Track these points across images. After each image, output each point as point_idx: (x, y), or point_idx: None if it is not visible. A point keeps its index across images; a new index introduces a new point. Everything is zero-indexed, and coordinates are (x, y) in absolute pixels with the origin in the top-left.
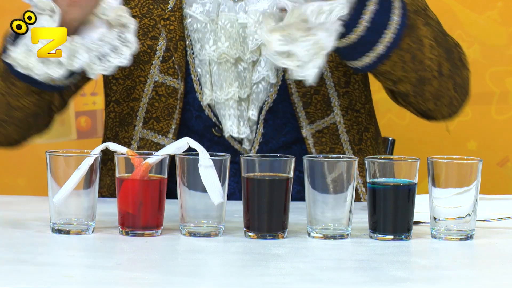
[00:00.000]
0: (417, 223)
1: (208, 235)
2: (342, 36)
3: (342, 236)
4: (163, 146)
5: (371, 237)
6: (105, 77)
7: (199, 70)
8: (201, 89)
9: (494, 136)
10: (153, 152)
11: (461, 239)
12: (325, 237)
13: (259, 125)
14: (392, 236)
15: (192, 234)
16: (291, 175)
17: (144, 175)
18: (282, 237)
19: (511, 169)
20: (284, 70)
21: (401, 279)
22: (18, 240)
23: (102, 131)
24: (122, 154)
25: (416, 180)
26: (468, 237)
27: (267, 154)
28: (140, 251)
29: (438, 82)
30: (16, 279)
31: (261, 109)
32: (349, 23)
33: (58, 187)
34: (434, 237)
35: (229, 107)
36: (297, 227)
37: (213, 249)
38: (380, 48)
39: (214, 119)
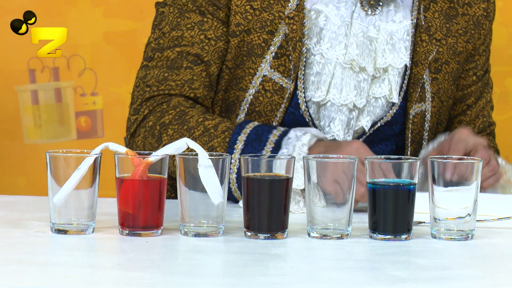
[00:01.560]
0: (417, 223)
1: (208, 235)
2: None
3: (342, 236)
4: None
5: (371, 237)
6: (221, 68)
7: (317, 68)
8: (303, 87)
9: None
10: (152, 152)
11: (461, 239)
12: (325, 237)
13: (364, 136)
14: (392, 236)
15: (192, 234)
16: (291, 175)
17: (143, 174)
18: (282, 237)
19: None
20: (406, 96)
21: (401, 279)
22: (18, 240)
23: (102, 131)
24: (122, 154)
25: (416, 180)
26: (468, 237)
27: (267, 154)
28: (140, 251)
29: None
30: (16, 279)
31: (373, 124)
32: None
33: (58, 187)
34: (434, 237)
35: (341, 112)
36: (297, 227)
37: (213, 249)
38: None
39: (308, 119)
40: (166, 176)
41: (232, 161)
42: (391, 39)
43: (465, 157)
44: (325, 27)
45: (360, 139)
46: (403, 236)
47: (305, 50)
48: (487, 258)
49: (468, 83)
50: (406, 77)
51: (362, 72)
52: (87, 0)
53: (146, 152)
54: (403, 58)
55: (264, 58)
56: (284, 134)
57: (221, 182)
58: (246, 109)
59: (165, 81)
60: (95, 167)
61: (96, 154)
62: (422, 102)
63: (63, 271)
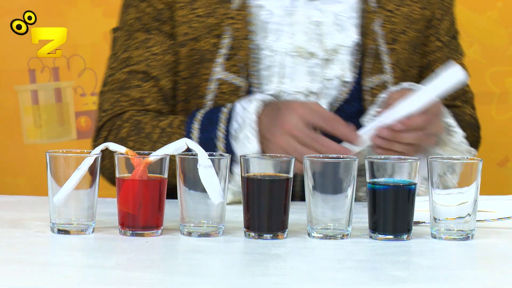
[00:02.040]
0: (417, 223)
1: (208, 235)
2: None
3: (342, 236)
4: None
5: (371, 237)
6: (174, 79)
7: (266, 62)
8: (259, 83)
9: (494, 136)
10: (152, 152)
11: (461, 239)
12: (325, 237)
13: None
14: (392, 236)
15: (192, 234)
16: (291, 175)
17: (143, 174)
18: (282, 237)
19: (511, 169)
20: (361, 71)
21: (401, 279)
22: (18, 240)
23: None
24: (122, 154)
25: (416, 180)
26: (468, 237)
27: (267, 154)
28: (140, 251)
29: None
30: (16, 279)
31: (329, 105)
32: None
33: (58, 187)
34: (434, 237)
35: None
36: (297, 227)
37: (213, 249)
38: None
39: None
40: (166, 176)
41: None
42: (338, 19)
43: (465, 157)
44: (269, 20)
45: None
46: (403, 236)
47: (254, 46)
48: (487, 258)
49: (431, 49)
50: (358, 53)
51: (312, 57)
52: (87, 0)
53: (146, 152)
54: (352, 35)
55: (216, 62)
56: (232, 109)
57: (221, 182)
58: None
59: (117, 102)
60: (95, 167)
61: (96, 154)
62: (381, 74)
63: (63, 271)
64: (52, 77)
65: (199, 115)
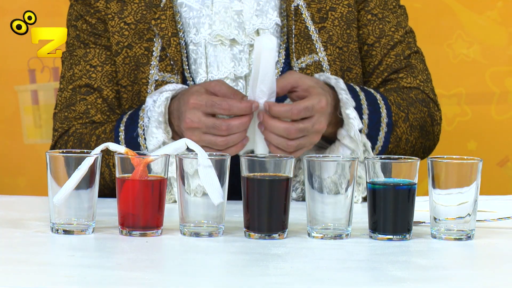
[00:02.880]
0: (417, 223)
1: (208, 235)
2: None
3: (342, 236)
4: None
5: (371, 237)
6: (116, 89)
7: (193, 55)
8: (191, 77)
9: (494, 136)
10: (152, 152)
11: (461, 239)
12: (325, 237)
13: None
14: (392, 236)
15: (192, 234)
16: (291, 175)
17: (143, 174)
18: (282, 237)
19: (511, 169)
20: (286, 55)
21: (401, 279)
22: (18, 240)
23: None
24: (122, 154)
25: (416, 180)
26: (468, 237)
27: (267, 154)
28: (140, 251)
29: (409, 154)
30: (16, 279)
31: None
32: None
33: (58, 187)
34: (434, 237)
35: None
36: (297, 227)
37: (213, 249)
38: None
39: None
40: (166, 176)
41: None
42: (258, 5)
43: (465, 157)
44: (189, 16)
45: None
46: (403, 236)
47: (184, 43)
48: (487, 258)
49: (363, 23)
50: (283, 35)
51: (235, 44)
52: None
53: (146, 152)
54: (272, 18)
55: (151, 64)
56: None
57: (221, 182)
58: None
59: (66, 119)
60: (95, 167)
61: (96, 154)
62: (312, 53)
63: (63, 271)
64: (52, 77)
65: (125, 117)
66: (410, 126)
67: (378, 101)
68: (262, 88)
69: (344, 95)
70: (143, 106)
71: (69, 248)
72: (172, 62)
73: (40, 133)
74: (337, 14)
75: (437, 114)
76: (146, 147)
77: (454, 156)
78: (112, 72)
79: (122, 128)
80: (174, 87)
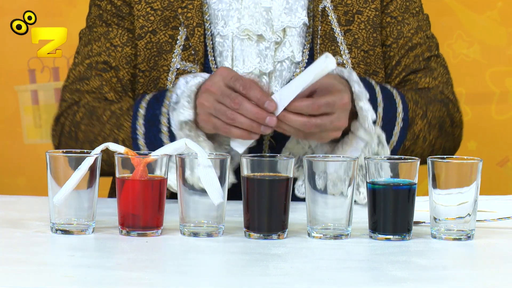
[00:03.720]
0: (417, 223)
1: (208, 235)
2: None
3: (342, 236)
4: None
5: (371, 237)
6: (132, 72)
7: (219, 47)
8: (216, 66)
9: (494, 136)
10: (151, 152)
11: (461, 239)
12: (325, 237)
13: None
14: (392, 236)
15: (192, 234)
16: (291, 175)
17: (143, 174)
18: (282, 237)
19: (511, 169)
20: (309, 54)
21: (401, 279)
22: (18, 240)
23: None
24: (122, 154)
25: (416, 180)
26: (468, 237)
27: (267, 154)
28: (140, 251)
29: (428, 155)
30: (16, 279)
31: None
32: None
33: (58, 187)
34: (434, 237)
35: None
36: (297, 227)
37: (213, 249)
38: (390, 150)
39: None
40: (166, 176)
41: (137, 127)
42: (287, 3)
43: (465, 157)
44: (218, 8)
45: None
46: (403, 236)
47: (210, 35)
48: (487, 258)
49: (383, 25)
50: (308, 35)
51: (261, 40)
52: (87, 0)
53: (146, 152)
54: (300, 17)
55: (174, 52)
56: (175, 85)
57: (221, 182)
58: None
59: (77, 91)
60: (95, 167)
61: (96, 154)
62: (337, 56)
63: (63, 271)
64: (52, 77)
65: (148, 96)
66: (428, 124)
67: (394, 96)
68: (291, 98)
69: (357, 88)
70: (171, 88)
71: (69, 248)
72: (193, 52)
73: (40, 133)
74: (364, 17)
75: (457, 115)
76: (169, 125)
77: (454, 156)
78: (132, 55)
79: (143, 105)
80: (208, 75)
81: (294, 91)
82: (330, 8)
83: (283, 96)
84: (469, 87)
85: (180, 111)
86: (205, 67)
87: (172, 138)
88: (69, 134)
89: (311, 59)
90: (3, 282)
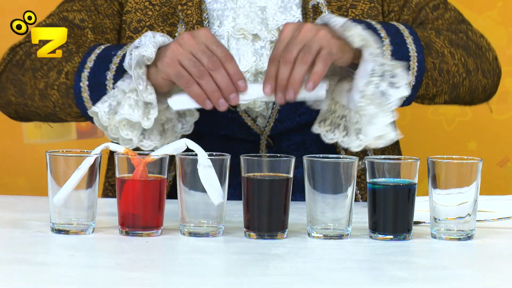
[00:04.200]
0: (417, 223)
1: (208, 235)
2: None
3: (342, 236)
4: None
5: (371, 237)
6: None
7: None
8: None
9: (494, 136)
10: (152, 152)
11: (461, 239)
12: (325, 237)
13: (276, 102)
14: (392, 236)
15: (192, 234)
16: (291, 175)
17: (143, 174)
18: (282, 237)
19: (511, 169)
20: None
21: (401, 279)
22: (18, 240)
23: (102, 131)
24: (122, 154)
25: (416, 180)
26: (468, 237)
27: (267, 154)
28: (140, 251)
29: (468, 81)
30: (16, 279)
31: None
32: None
33: (58, 187)
34: (434, 237)
35: (247, 79)
36: (297, 227)
37: (213, 249)
38: (411, 81)
39: None
40: (166, 176)
41: (87, 61)
42: (282, 1)
43: (465, 157)
44: (213, 7)
45: (272, 109)
46: (403, 236)
47: None
48: (487, 258)
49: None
50: None
51: (257, 40)
52: None
53: (146, 152)
54: (295, 15)
55: None
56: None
57: (221, 182)
58: None
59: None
60: (95, 167)
61: (96, 154)
62: None
63: (63, 271)
64: None
65: (112, 44)
66: (449, 41)
67: (396, 24)
68: (260, 96)
69: (333, 17)
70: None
71: (69, 248)
72: None
73: (40, 133)
74: (358, 11)
75: (481, 40)
76: (118, 65)
77: (454, 156)
78: (107, 29)
79: (102, 46)
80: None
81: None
82: (323, 4)
83: (254, 89)
84: None
85: (144, 48)
86: None
87: (117, 77)
88: (17, 62)
89: None
90: (3, 282)
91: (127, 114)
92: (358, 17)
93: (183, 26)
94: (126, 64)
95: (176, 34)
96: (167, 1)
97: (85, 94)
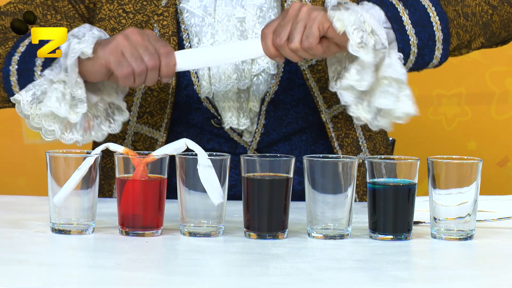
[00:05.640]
0: (417, 223)
1: (208, 235)
2: (405, 59)
3: (342, 236)
4: (156, 140)
5: (371, 237)
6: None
7: None
8: (198, 81)
9: (494, 136)
10: (152, 152)
11: (461, 239)
12: (325, 237)
13: (260, 117)
14: (392, 236)
15: (192, 234)
16: (291, 175)
17: (143, 174)
18: (282, 237)
19: (511, 169)
20: (286, 62)
21: (401, 279)
22: (18, 240)
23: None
24: (122, 154)
25: (416, 180)
26: (468, 237)
27: (267, 154)
28: (140, 251)
29: (497, 15)
30: (16, 279)
31: (262, 100)
32: (403, 46)
33: (58, 187)
34: (434, 237)
35: (228, 99)
36: (297, 227)
37: (213, 249)
38: (439, 35)
39: (213, 111)
40: (166, 176)
41: (20, 46)
42: (261, 11)
43: (465, 157)
44: (191, 22)
45: (257, 124)
46: (403, 236)
47: (187, 45)
48: (487, 258)
49: None
50: None
51: None
52: None
53: (147, 152)
54: None
55: None
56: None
57: (221, 182)
58: (137, 113)
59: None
60: (95, 167)
61: (96, 154)
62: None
63: (63, 271)
64: None
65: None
66: None
67: None
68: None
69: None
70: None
71: (69, 248)
72: None
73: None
74: None
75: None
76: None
77: (454, 156)
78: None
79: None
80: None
81: (207, 60)
82: (307, 2)
83: (191, 55)
84: (469, 87)
85: (85, 44)
86: (186, 78)
87: (46, 64)
88: None
89: (287, 68)
90: (3, 282)
91: (54, 108)
92: None
93: (158, 35)
94: (62, 51)
95: None
96: (141, 8)
97: (13, 78)
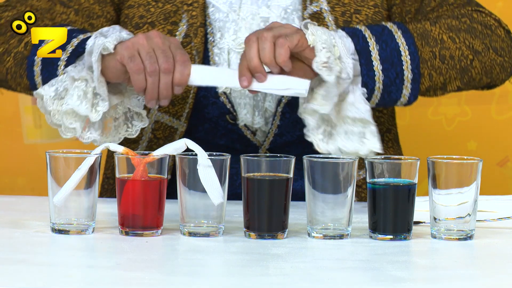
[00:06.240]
0: (417, 223)
1: (208, 235)
2: (369, 95)
3: (342, 236)
4: (176, 129)
5: (371, 237)
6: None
7: (217, 58)
8: None
9: (494, 136)
10: (152, 152)
11: (461, 239)
12: (325, 237)
13: (275, 117)
14: (392, 236)
15: (192, 234)
16: (291, 175)
17: (143, 174)
18: (282, 237)
19: (511, 169)
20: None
21: (401, 279)
22: (18, 240)
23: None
24: (122, 154)
25: (416, 180)
26: (468, 237)
27: (267, 154)
28: (140, 251)
29: (478, 61)
30: (16, 279)
31: (279, 101)
32: (367, 80)
33: (58, 187)
34: (434, 237)
35: (244, 96)
36: (297, 227)
37: (213, 249)
38: (407, 75)
39: (229, 106)
40: (166, 176)
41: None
42: (285, 13)
43: (465, 157)
44: (215, 17)
45: (271, 125)
46: (403, 236)
47: (211, 38)
48: (487, 258)
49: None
50: None
51: None
52: None
53: (147, 152)
54: (298, 25)
55: None
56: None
57: (221, 182)
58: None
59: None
60: (95, 167)
61: (96, 154)
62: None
63: (63, 271)
64: None
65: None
66: (447, 27)
67: (384, 23)
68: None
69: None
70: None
71: (69, 248)
72: (195, 53)
73: (40, 133)
74: (362, 16)
75: (488, 19)
76: (75, 48)
77: (454, 156)
78: (94, 15)
79: (68, 27)
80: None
81: (222, 82)
82: (326, 10)
83: (207, 72)
84: None
85: (108, 39)
86: None
87: (70, 60)
88: None
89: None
90: (3, 282)
91: (75, 106)
92: (362, 22)
93: (185, 26)
94: (87, 48)
95: (176, 33)
96: None
97: (37, 68)
